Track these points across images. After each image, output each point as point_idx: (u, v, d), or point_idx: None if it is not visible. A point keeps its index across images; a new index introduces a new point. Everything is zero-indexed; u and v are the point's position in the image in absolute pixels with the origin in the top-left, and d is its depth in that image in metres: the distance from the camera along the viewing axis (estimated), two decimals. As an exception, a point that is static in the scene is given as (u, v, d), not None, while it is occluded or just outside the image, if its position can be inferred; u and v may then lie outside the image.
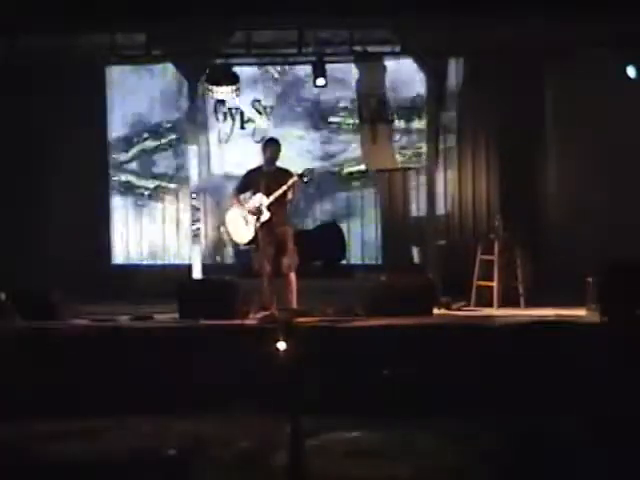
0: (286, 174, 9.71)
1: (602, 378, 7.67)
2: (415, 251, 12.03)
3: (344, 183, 12.32)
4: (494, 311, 10.34)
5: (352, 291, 10.24)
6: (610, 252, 9.91)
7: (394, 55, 11.56)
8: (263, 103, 12.33)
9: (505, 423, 7.04)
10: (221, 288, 9.92)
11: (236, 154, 12.17)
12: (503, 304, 10.51)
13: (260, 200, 9.71)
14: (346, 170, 12.29)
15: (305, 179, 9.70)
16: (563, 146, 11.75)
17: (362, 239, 12.28)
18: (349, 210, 12.29)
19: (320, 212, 12.28)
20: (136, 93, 12.55)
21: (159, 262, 12.60)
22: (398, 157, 12.10)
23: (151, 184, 12.68)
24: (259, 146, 10.51)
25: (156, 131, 12.61)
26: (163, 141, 12.60)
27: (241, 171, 10.37)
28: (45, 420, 7.43)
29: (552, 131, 11.87)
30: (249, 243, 9.91)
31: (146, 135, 12.65)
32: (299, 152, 12.04)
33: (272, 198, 9.65)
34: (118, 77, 12.56)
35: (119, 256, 12.75)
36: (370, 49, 11.58)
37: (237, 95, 11.41)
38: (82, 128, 12.15)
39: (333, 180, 12.27)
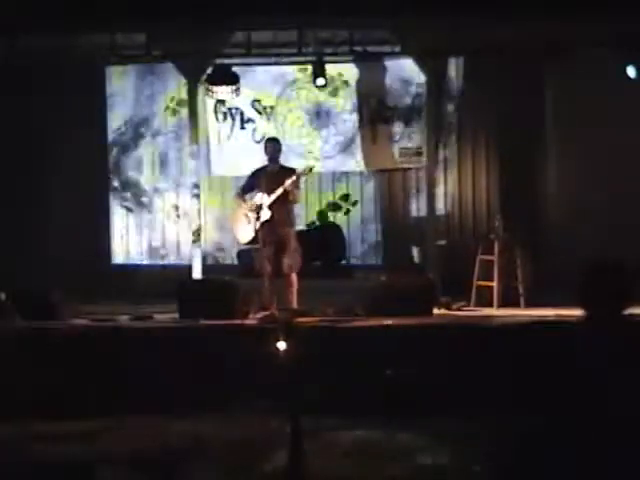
0: (289, 173, 9.65)
1: (602, 378, 7.65)
2: (415, 251, 12.02)
3: (344, 183, 12.32)
4: (494, 311, 10.33)
5: (352, 291, 10.24)
6: (610, 252, 9.88)
7: (394, 55, 11.57)
8: (263, 103, 12.32)
9: (505, 423, 7.03)
10: (221, 288, 9.91)
11: (236, 154, 12.16)
12: (503, 304, 10.49)
13: (261, 199, 9.69)
14: (346, 170, 12.29)
15: (304, 177, 9.68)
16: (563, 146, 11.73)
17: (362, 239, 12.28)
18: (349, 210, 12.28)
19: (320, 212, 12.27)
20: (136, 93, 12.55)
21: (159, 262, 12.60)
22: (398, 157, 12.10)
23: (151, 184, 12.68)
24: (259, 146, 10.52)
25: (156, 131, 12.61)
26: (163, 141, 12.60)
27: (241, 171, 10.36)
28: (45, 420, 7.43)
29: (552, 131, 11.85)
30: (250, 242, 9.90)
31: (146, 135, 12.64)
32: (299, 152, 12.03)
33: (273, 197, 9.61)
34: (118, 77, 12.56)
35: (119, 256, 12.75)
36: (370, 49, 11.58)
37: (237, 95, 11.40)
38: (82, 128, 12.14)
39: (333, 180, 12.28)
